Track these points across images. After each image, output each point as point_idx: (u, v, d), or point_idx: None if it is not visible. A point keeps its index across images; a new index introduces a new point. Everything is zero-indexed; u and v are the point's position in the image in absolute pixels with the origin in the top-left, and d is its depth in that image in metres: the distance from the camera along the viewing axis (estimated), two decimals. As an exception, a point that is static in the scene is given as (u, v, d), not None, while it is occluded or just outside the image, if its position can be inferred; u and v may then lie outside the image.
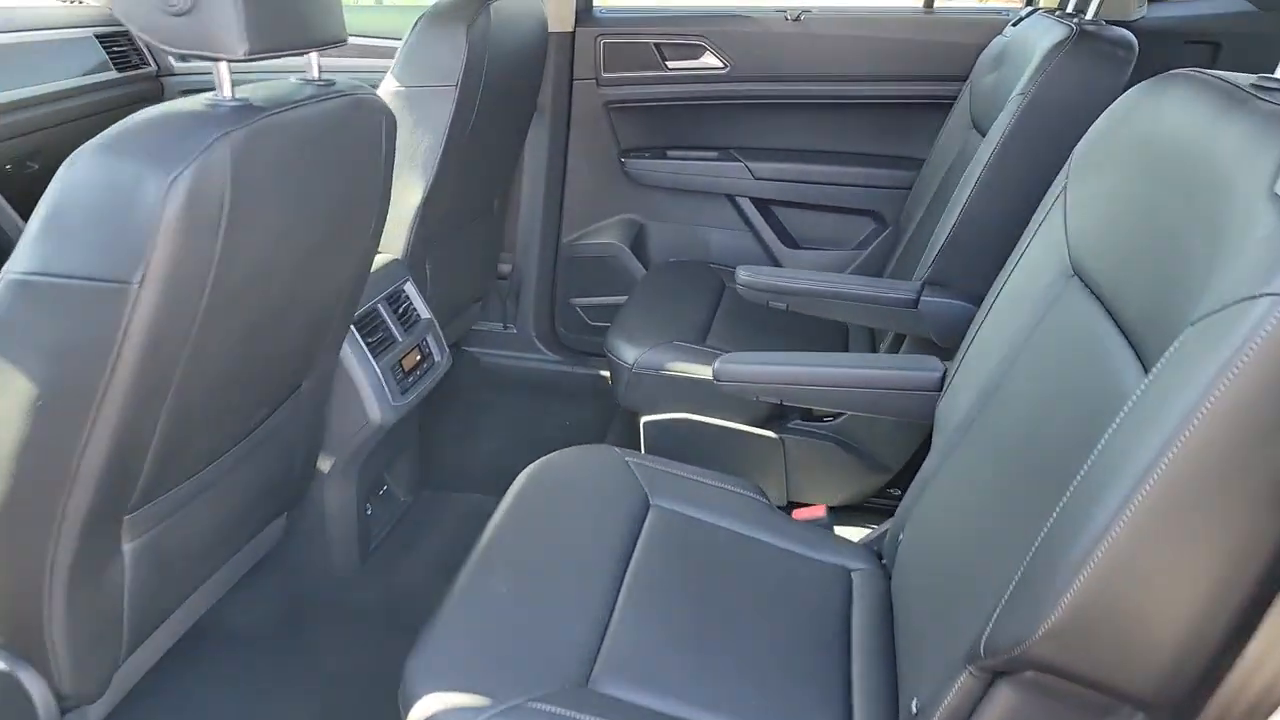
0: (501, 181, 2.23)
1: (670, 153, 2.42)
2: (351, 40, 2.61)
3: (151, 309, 0.90)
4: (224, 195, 0.92)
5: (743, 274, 1.69)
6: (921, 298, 1.59)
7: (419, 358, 1.72)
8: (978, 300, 1.60)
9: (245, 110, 0.96)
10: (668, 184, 2.42)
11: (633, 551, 1.19)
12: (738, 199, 2.38)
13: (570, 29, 2.31)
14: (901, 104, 2.24)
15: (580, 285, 2.56)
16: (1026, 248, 1.14)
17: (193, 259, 0.92)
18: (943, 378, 1.31)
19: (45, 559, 1.01)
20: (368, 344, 1.58)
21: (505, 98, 1.97)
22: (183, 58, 2.44)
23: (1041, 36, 1.63)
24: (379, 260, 1.72)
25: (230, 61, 0.95)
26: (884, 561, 1.30)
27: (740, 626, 1.09)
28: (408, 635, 1.06)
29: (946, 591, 0.98)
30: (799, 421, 1.80)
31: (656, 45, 2.30)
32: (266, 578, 1.65)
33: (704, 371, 1.77)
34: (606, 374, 2.57)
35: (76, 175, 0.88)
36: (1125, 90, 1.03)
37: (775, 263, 2.40)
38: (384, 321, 1.65)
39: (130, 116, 0.92)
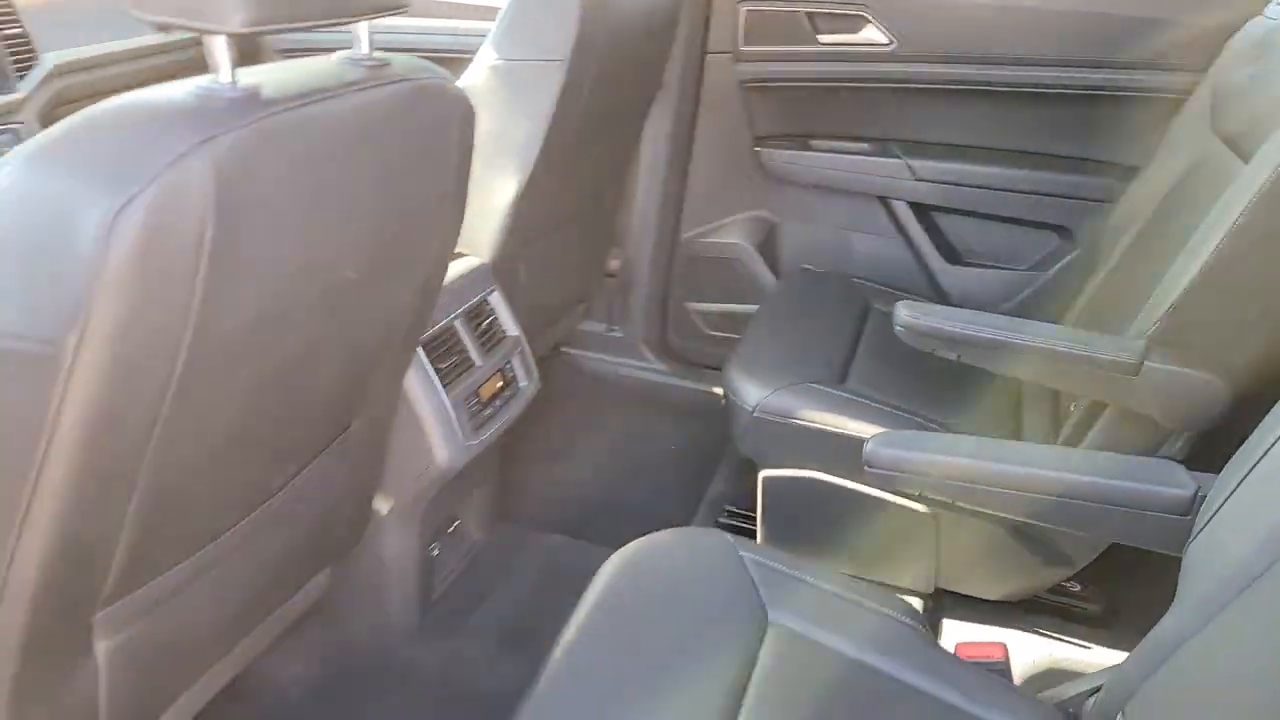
0: (615, 169, 1.93)
1: (814, 143, 2.06)
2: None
3: (96, 379, 0.64)
4: (205, 225, 0.65)
5: (903, 313, 1.34)
6: (1145, 363, 1.21)
7: (500, 384, 1.45)
8: (1222, 372, 1.22)
9: (246, 104, 0.69)
10: (808, 179, 2.06)
11: (746, 691, 0.92)
12: (891, 201, 2.01)
13: (708, -8, 1.98)
14: (1111, 97, 1.81)
15: (697, 288, 2.24)
16: None
17: (158, 312, 0.65)
18: (1193, 498, 0.94)
19: None
20: (438, 370, 1.32)
21: (624, 74, 1.66)
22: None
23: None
24: (461, 266, 1.45)
25: (230, 36, 0.68)
26: None
27: None
28: (466, 708, 0.83)
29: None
30: (957, 494, 1.45)
31: (809, 15, 1.94)
32: (312, 629, 1.42)
33: (841, 425, 1.44)
34: (720, 391, 2.26)
35: None
36: None
37: (932, 280, 2.02)
38: (460, 343, 1.38)
39: (84, 110, 0.66)
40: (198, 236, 0.64)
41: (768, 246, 2.17)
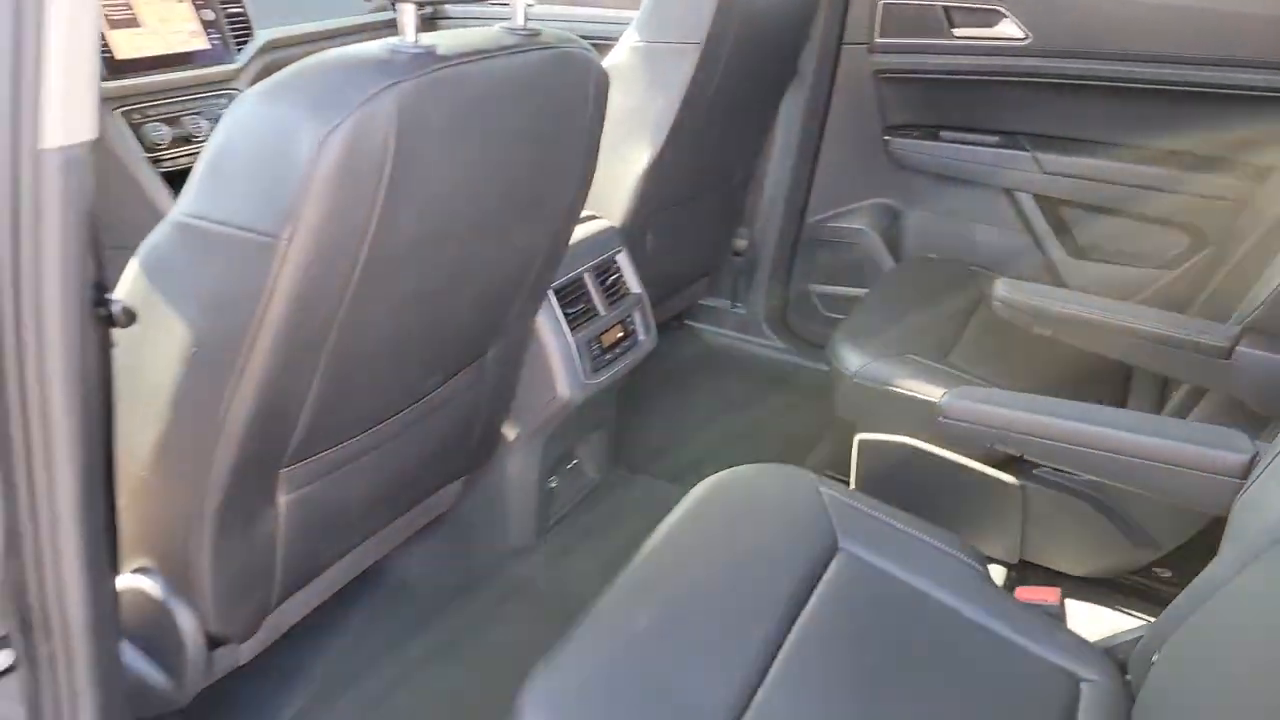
0: (746, 150, 2.05)
1: (943, 134, 2.12)
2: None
3: (301, 267, 0.84)
4: (387, 151, 0.83)
5: (1001, 288, 1.41)
6: (1237, 347, 1.24)
7: (621, 335, 1.61)
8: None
9: (424, 59, 0.86)
10: (935, 169, 2.12)
11: (806, 602, 1.02)
12: (1017, 194, 2.05)
13: (847, -14, 2.07)
14: (1247, 98, 1.79)
15: (819, 271, 2.34)
16: None
17: (348, 218, 0.84)
18: (1250, 462, 0.99)
19: (195, 504, 1.00)
20: (566, 315, 1.49)
21: (759, 60, 1.78)
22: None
23: None
24: (592, 226, 1.61)
25: (418, 5, 0.86)
26: (1127, 678, 1.05)
27: None
28: (571, 621, 1.00)
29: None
30: (1047, 469, 1.51)
31: (945, 9, 2.00)
32: (442, 535, 1.63)
33: (936, 395, 1.51)
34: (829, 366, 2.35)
35: (238, 120, 0.83)
36: None
37: (1055, 274, 2.04)
38: (587, 292, 1.54)
39: (300, 61, 0.85)
40: (381, 158, 0.82)
41: (891, 233, 2.24)
